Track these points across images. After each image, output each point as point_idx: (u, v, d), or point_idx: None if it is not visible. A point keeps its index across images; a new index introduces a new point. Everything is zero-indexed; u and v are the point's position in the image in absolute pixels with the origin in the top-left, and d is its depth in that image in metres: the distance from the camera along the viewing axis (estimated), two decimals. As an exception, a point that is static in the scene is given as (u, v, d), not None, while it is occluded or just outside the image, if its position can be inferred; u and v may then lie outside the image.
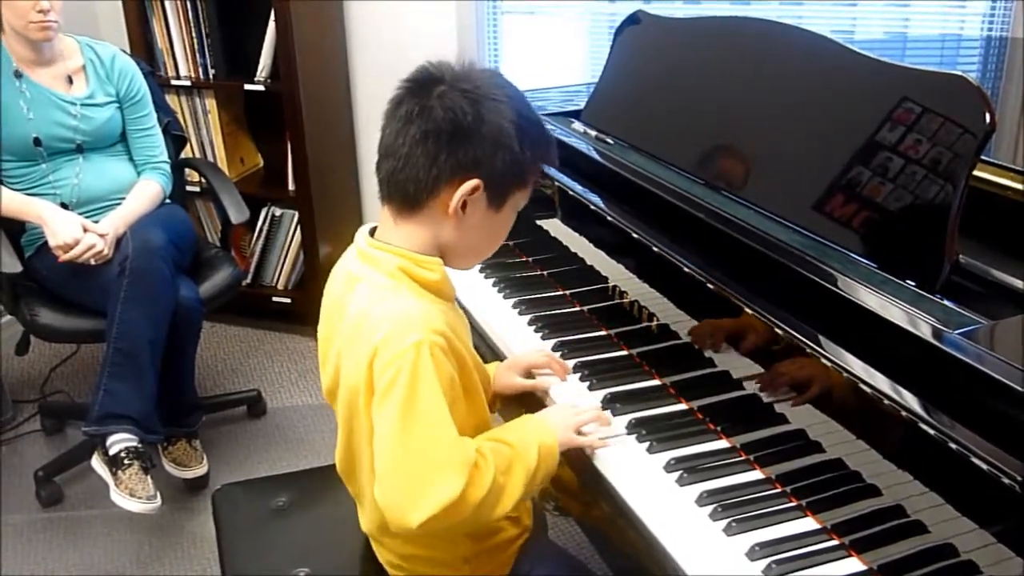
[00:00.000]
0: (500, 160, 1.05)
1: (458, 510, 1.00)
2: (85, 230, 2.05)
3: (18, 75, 2.12)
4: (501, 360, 1.41)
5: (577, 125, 1.72)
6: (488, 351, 1.49)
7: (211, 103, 2.89)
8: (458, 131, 1.03)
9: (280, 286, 3.03)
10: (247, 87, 2.82)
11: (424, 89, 1.05)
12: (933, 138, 1.07)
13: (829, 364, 0.99)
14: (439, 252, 1.11)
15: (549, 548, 1.32)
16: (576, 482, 1.22)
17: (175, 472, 2.21)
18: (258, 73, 2.80)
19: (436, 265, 1.09)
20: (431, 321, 1.03)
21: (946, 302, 0.99)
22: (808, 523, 1.03)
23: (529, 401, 1.33)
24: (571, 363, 1.36)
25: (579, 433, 1.18)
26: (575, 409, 1.20)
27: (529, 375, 1.35)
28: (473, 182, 1.04)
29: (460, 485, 1.00)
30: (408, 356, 1.00)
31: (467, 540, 1.18)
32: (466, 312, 1.58)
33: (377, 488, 1.02)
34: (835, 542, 1.00)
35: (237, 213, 2.34)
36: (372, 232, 1.14)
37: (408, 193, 1.06)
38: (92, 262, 2.06)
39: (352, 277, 1.12)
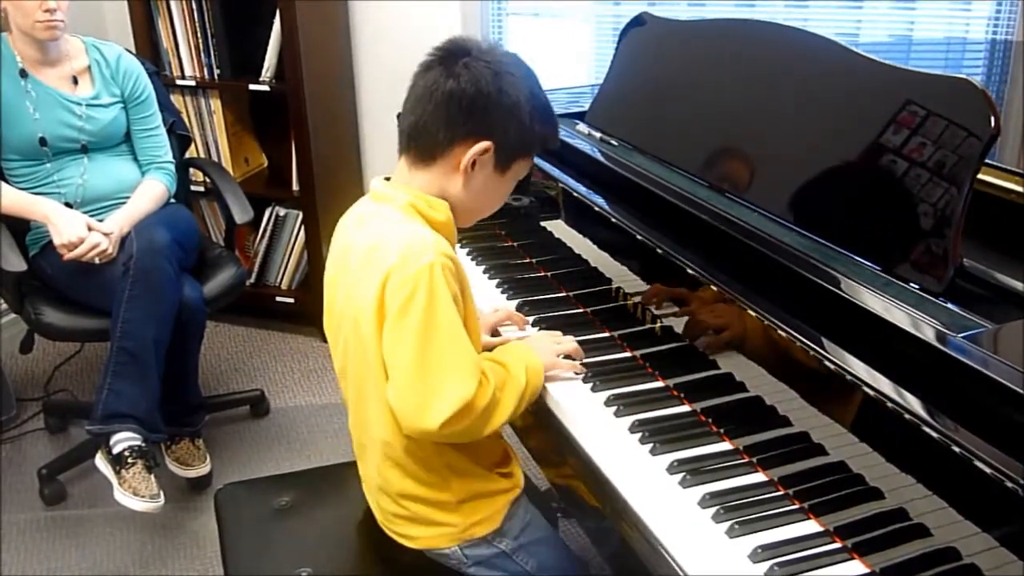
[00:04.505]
0: (512, 129, 1.17)
1: (469, 412, 1.11)
2: (90, 229, 2.05)
3: (24, 75, 2.12)
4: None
5: (581, 127, 1.72)
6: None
7: (216, 103, 2.90)
8: (479, 97, 1.14)
9: (284, 286, 3.04)
10: (252, 87, 2.83)
11: (453, 56, 1.17)
12: (937, 141, 1.07)
13: (832, 367, 0.99)
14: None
15: (542, 526, 1.35)
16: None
17: (178, 471, 2.21)
18: (263, 73, 2.81)
19: (443, 207, 1.20)
20: (440, 245, 1.13)
21: (950, 305, 0.99)
22: (811, 526, 1.03)
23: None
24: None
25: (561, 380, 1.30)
26: (555, 337, 1.35)
27: (495, 333, 1.48)
28: (485, 143, 1.16)
29: (474, 386, 1.11)
30: (423, 276, 1.09)
31: (457, 480, 1.24)
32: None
33: (394, 395, 1.11)
34: (838, 545, 1.00)
35: (241, 213, 2.34)
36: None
37: (427, 145, 1.18)
38: (96, 261, 2.06)
39: (363, 217, 1.23)
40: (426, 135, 1.17)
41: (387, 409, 1.15)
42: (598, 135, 1.66)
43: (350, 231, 1.24)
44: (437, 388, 1.10)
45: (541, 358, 1.27)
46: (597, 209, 1.48)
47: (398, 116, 1.22)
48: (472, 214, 1.27)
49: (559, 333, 1.39)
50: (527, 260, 1.73)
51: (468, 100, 1.14)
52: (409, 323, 1.09)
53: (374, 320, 1.13)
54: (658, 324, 1.34)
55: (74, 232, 2.03)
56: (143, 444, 1.98)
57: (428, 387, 1.10)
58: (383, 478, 1.26)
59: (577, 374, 1.32)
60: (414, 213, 1.18)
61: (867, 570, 0.96)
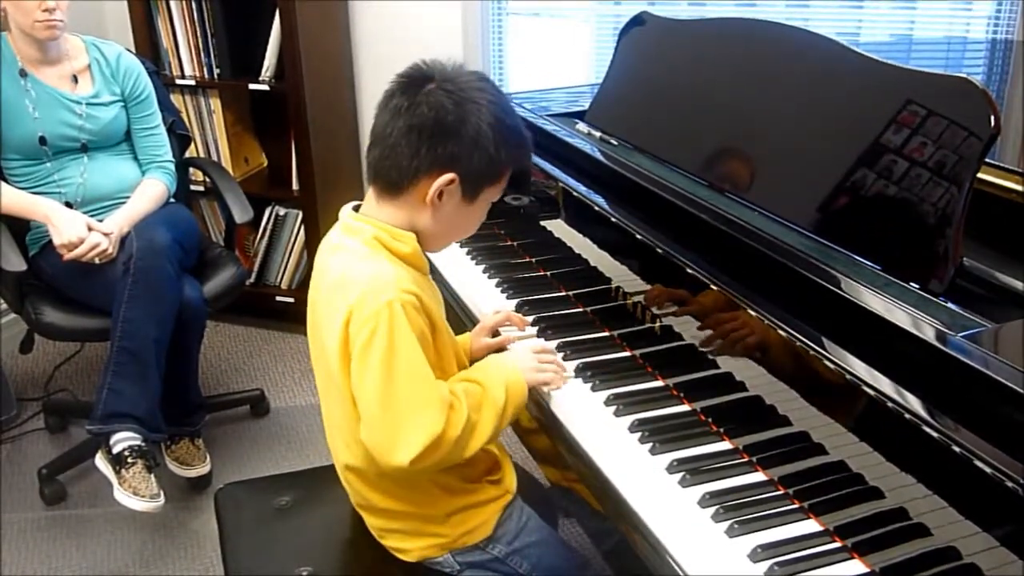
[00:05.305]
0: (476, 159, 1.14)
1: (439, 446, 1.10)
2: (90, 229, 2.05)
3: (24, 74, 2.12)
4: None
5: (581, 126, 1.72)
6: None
7: (215, 103, 2.90)
8: (440, 128, 1.12)
9: (284, 286, 3.04)
10: (252, 87, 2.82)
11: (415, 85, 1.14)
12: (938, 141, 1.07)
13: (833, 366, 0.99)
14: (414, 232, 1.20)
15: (539, 528, 1.34)
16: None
17: (178, 471, 2.21)
18: (263, 73, 2.81)
19: (409, 239, 1.18)
20: (401, 282, 1.12)
21: (950, 305, 0.99)
22: (811, 525, 1.03)
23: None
24: (574, 364, 1.36)
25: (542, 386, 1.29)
26: (539, 352, 1.32)
27: (496, 334, 1.46)
28: (449, 176, 1.14)
29: (440, 420, 1.10)
30: (383, 314, 1.09)
31: (444, 495, 1.24)
32: (469, 310, 1.60)
33: (365, 432, 1.11)
34: (837, 544, 1.00)
35: (241, 213, 2.34)
36: (357, 209, 1.23)
37: (391, 179, 1.16)
38: (97, 261, 2.06)
39: (334, 247, 1.21)
40: (390, 168, 1.15)
41: (354, 439, 1.16)
42: (598, 134, 1.66)
43: (325, 256, 1.22)
44: (402, 426, 1.09)
45: (523, 375, 1.24)
46: (597, 209, 1.48)
47: (368, 148, 1.19)
48: (444, 240, 1.25)
49: (545, 347, 1.37)
50: (527, 260, 1.73)
51: (429, 132, 1.11)
52: (371, 361, 1.09)
53: (339, 357, 1.13)
54: (658, 324, 1.34)
55: (74, 232, 2.02)
56: (143, 444, 1.98)
57: (393, 425, 1.09)
58: (363, 498, 1.27)
59: (558, 389, 1.30)
60: (379, 246, 1.16)
61: (867, 569, 0.96)
